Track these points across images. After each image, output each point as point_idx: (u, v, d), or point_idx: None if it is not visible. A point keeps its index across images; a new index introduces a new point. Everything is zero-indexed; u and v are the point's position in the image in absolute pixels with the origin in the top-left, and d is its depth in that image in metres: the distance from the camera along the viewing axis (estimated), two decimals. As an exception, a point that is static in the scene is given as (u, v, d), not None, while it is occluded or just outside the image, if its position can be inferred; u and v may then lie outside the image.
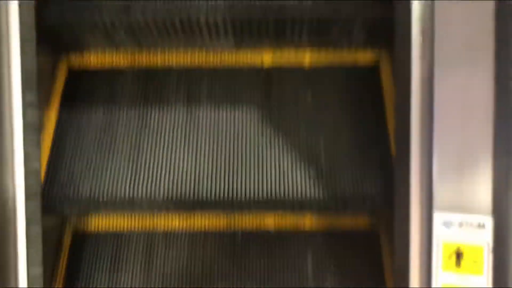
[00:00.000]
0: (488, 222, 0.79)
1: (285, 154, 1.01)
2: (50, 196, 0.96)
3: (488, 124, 0.78)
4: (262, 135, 1.04)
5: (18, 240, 0.84)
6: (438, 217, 0.81)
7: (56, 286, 1.05)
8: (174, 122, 1.05)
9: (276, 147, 1.02)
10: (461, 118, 0.79)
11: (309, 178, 0.98)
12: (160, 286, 1.05)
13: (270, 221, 1.14)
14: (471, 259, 0.80)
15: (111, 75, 1.11)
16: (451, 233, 0.81)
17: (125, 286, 1.05)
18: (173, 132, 1.04)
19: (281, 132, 1.04)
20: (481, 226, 0.79)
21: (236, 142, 1.03)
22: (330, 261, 1.09)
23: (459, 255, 0.81)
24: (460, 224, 0.80)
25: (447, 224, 0.81)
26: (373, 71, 1.11)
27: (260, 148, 1.02)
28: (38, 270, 0.87)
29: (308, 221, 1.14)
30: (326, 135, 1.03)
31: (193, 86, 1.10)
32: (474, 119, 0.79)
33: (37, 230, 0.86)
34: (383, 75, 1.10)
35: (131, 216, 1.12)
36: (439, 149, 0.79)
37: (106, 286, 1.05)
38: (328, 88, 1.10)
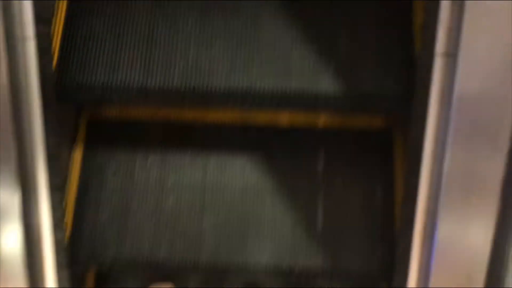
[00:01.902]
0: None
1: (303, 47, 0.97)
2: (63, 84, 0.95)
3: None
4: (281, 23, 0.99)
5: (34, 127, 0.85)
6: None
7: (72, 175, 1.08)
8: (190, 8, 1.00)
9: (295, 38, 0.98)
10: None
11: (327, 73, 0.95)
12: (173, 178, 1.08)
13: (284, 117, 1.14)
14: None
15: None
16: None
17: (140, 174, 1.08)
18: (188, 18, 0.99)
19: (302, 24, 0.99)
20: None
21: (253, 32, 0.98)
22: (341, 157, 1.10)
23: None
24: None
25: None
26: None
27: (278, 37, 0.98)
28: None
29: (322, 119, 1.13)
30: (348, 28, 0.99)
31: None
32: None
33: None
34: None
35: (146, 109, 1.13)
36: (464, 56, 0.75)
37: (122, 174, 1.08)
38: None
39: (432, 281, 0.83)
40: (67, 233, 1.03)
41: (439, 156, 0.83)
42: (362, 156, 1.11)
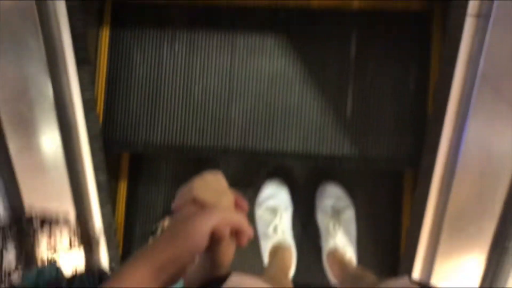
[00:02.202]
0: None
1: None
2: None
3: None
4: None
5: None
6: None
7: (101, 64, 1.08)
8: None
9: None
10: None
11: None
12: (201, 64, 1.06)
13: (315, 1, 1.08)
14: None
15: None
16: None
17: (168, 60, 1.07)
18: None
19: None
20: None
21: None
22: (375, 42, 1.05)
23: None
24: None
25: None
26: None
27: None
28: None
29: (355, 2, 1.06)
30: None
31: None
32: None
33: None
34: None
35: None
36: None
37: (151, 60, 1.07)
38: None
39: (457, 172, 0.83)
40: (100, 120, 1.06)
41: (477, 47, 0.79)
42: (397, 40, 1.05)
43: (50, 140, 0.89)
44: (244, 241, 0.49)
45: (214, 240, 0.46)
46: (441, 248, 0.88)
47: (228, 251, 0.50)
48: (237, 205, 0.53)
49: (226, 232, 0.46)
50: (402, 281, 0.58)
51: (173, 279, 0.45)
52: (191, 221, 0.45)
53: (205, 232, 0.44)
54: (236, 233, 0.48)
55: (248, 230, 0.49)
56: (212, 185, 0.51)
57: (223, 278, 0.58)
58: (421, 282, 0.57)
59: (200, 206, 0.48)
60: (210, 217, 0.45)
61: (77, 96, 0.93)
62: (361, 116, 1.04)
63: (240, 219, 0.48)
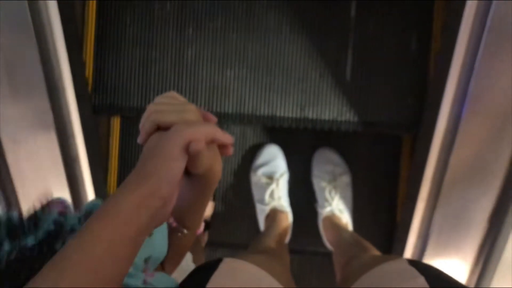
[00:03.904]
0: None
1: None
2: None
3: None
4: None
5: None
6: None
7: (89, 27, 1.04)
8: None
9: None
10: None
11: None
12: (194, 25, 1.02)
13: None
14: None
15: None
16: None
17: (159, 21, 1.02)
18: None
19: None
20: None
21: None
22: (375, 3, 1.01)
23: None
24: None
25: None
26: None
27: None
28: None
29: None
30: None
31: None
32: None
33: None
34: None
35: None
36: None
37: (141, 22, 1.03)
38: None
39: (458, 135, 0.81)
40: (90, 86, 1.03)
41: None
42: (399, 4, 1.01)
43: (38, 107, 0.86)
44: (228, 149, 0.46)
45: (192, 156, 0.42)
46: (438, 215, 0.86)
47: (213, 165, 0.46)
48: (205, 119, 0.48)
49: (201, 144, 0.42)
50: (400, 264, 0.56)
51: (160, 214, 0.41)
52: (163, 144, 0.41)
53: (179, 151, 0.41)
54: (218, 146, 0.45)
55: (224, 137, 0.45)
56: (170, 104, 0.46)
57: (215, 263, 0.55)
58: (418, 262, 0.54)
59: (166, 129, 0.44)
60: (181, 134, 0.41)
61: (64, 59, 0.89)
62: (360, 79, 1.01)
63: (212, 128, 0.44)
